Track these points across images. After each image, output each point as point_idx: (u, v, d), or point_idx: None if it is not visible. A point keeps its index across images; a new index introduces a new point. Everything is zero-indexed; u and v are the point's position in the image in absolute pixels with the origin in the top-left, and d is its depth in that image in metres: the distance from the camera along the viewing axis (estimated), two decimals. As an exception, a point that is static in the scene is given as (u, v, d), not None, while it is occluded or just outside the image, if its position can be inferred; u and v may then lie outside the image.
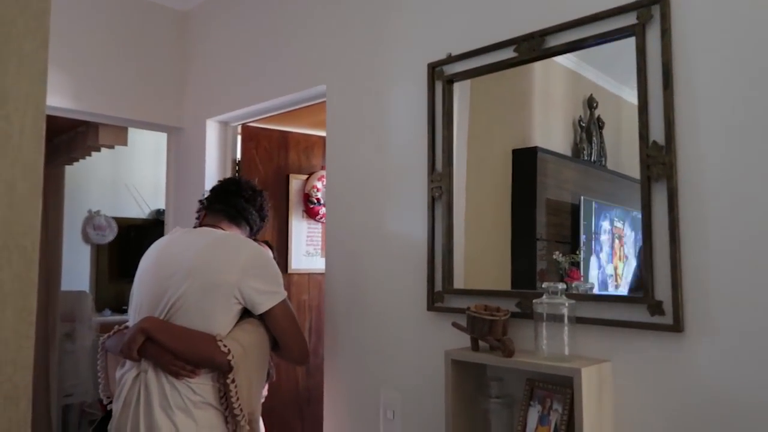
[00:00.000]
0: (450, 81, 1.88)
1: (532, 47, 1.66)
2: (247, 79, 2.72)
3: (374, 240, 2.09)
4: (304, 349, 1.86)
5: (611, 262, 1.67)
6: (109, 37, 2.86)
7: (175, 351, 1.64)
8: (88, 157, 3.81)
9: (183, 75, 3.11)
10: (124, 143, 3.24)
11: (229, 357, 1.64)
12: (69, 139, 3.48)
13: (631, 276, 1.56)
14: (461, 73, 1.84)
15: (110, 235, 5.39)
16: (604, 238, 1.69)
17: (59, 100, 2.69)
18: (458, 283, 1.84)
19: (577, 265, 1.67)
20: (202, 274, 1.70)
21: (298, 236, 3.20)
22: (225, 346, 1.65)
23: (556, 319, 1.46)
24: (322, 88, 2.34)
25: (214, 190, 2.01)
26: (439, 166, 1.89)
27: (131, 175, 5.40)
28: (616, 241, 1.68)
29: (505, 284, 1.77)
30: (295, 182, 3.20)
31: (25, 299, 1.71)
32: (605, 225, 1.70)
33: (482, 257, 1.89)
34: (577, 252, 1.68)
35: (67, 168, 3.89)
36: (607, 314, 1.49)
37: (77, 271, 5.00)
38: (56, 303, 3.67)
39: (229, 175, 3.02)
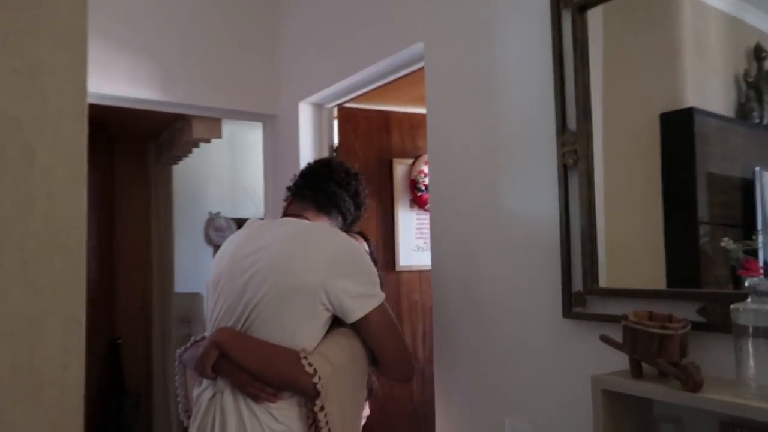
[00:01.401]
0: (582, 7, 1.39)
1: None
2: (337, 50, 2.39)
3: (489, 227, 1.64)
4: (407, 364, 1.51)
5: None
6: (197, 23, 2.68)
7: (252, 370, 1.35)
8: (207, 160, 3.74)
9: (274, 57, 2.86)
10: (218, 136, 3.07)
11: (315, 379, 1.31)
12: (170, 136, 3.39)
13: None
14: (595, -4, 1.36)
15: (230, 234, 5.45)
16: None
17: (148, 92, 2.54)
18: (616, 278, 1.36)
19: (754, 253, 1.23)
20: (281, 275, 1.39)
21: (405, 228, 2.82)
22: (310, 365, 1.33)
23: (774, 334, 0.94)
24: (419, 47, 1.93)
25: (302, 174, 1.71)
26: (571, 123, 1.40)
27: (246, 176, 5.42)
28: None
29: (658, 281, 1.33)
30: (400, 168, 2.82)
31: (72, 308, 1.46)
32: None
33: (626, 246, 1.43)
34: (754, 237, 1.23)
35: (188, 171, 3.84)
36: None
37: (200, 273, 5.06)
38: (170, 305, 3.61)
39: (325, 162, 2.71)
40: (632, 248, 1.43)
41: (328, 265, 1.39)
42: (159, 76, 2.56)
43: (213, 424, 1.40)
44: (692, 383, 1.01)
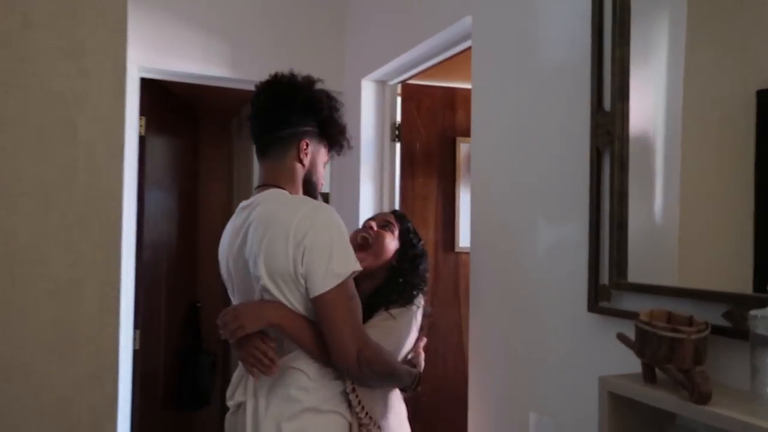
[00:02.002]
0: (625, -27, 1.26)
1: None
2: (394, 26, 2.35)
3: (523, 210, 1.56)
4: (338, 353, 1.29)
5: None
6: (265, 1, 2.74)
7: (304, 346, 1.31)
8: None
9: (342, 31, 2.87)
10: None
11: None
12: (247, 112, 3.52)
13: None
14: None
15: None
16: None
17: (219, 69, 2.64)
18: (663, 274, 1.22)
19: None
20: (265, 270, 1.28)
21: (467, 208, 2.74)
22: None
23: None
24: (467, 21, 1.85)
25: (253, 111, 1.44)
26: (606, 102, 1.29)
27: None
28: None
29: (744, 281, 1.12)
30: (464, 146, 2.74)
31: (108, 272, 1.57)
32: None
33: (707, 240, 1.25)
34: None
35: None
36: None
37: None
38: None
39: (387, 142, 2.69)
40: (711, 243, 1.23)
41: (292, 250, 1.24)
42: (229, 53, 2.66)
43: (244, 401, 1.37)
44: (698, 394, 0.91)
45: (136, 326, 2.53)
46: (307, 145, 1.40)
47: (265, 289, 1.28)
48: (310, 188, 1.44)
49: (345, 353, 1.26)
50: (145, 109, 2.62)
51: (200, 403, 3.36)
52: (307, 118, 1.40)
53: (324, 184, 1.52)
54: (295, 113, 1.39)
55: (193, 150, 3.79)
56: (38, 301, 1.41)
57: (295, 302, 1.29)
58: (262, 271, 1.27)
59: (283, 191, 1.37)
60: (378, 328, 1.47)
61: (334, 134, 1.45)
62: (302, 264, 1.24)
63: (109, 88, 1.47)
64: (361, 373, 1.29)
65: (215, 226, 4.00)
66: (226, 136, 4.14)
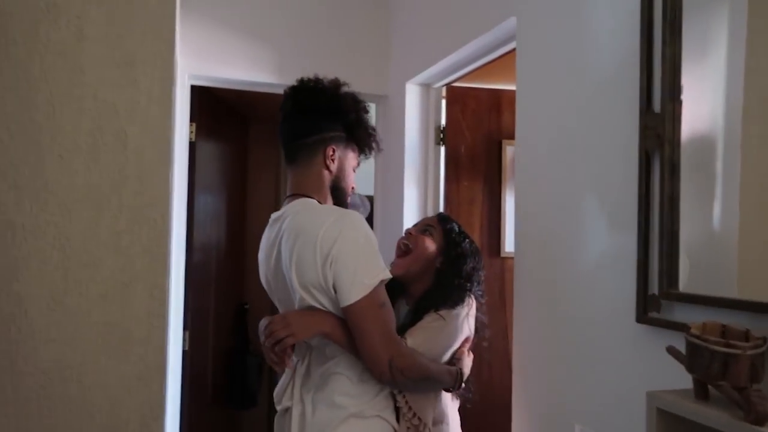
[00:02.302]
0: (676, -32, 1.20)
1: None
2: (439, 29, 2.33)
3: (569, 216, 1.52)
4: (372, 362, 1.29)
5: None
6: (311, 4, 2.77)
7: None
8: None
9: (387, 35, 2.87)
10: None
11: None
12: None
13: None
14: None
15: (364, 212, 5.64)
16: None
17: (265, 75, 2.69)
18: (718, 284, 1.15)
19: None
20: (296, 280, 1.29)
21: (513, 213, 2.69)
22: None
23: None
24: (512, 23, 1.82)
25: (282, 122, 1.43)
26: (656, 103, 1.23)
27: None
28: None
29: None
30: (510, 149, 2.69)
31: (156, 276, 1.62)
32: None
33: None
34: None
35: None
36: None
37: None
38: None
39: (432, 145, 2.67)
40: None
41: (321, 261, 1.24)
42: (275, 59, 2.70)
43: (290, 405, 1.40)
44: (755, 414, 0.85)
45: (185, 327, 2.60)
46: (333, 151, 1.38)
47: (301, 299, 1.29)
48: (338, 194, 1.43)
49: (377, 362, 1.26)
50: (195, 116, 2.69)
51: (248, 403, 3.42)
52: (333, 123, 1.39)
53: (355, 187, 1.51)
54: (320, 118, 1.38)
55: (242, 154, 3.87)
56: (90, 304, 1.46)
57: (333, 310, 1.30)
58: (296, 283, 1.28)
59: (311, 200, 1.36)
60: (427, 330, 1.48)
61: (363, 137, 1.43)
62: (331, 275, 1.24)
63: (157, 97, 1.52)
64: (394, 381, 1.29)
65: (262, 229, 4.09)
66: (274, 140, 4.20)
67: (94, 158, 1.47)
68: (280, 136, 1.44)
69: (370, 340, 1.25)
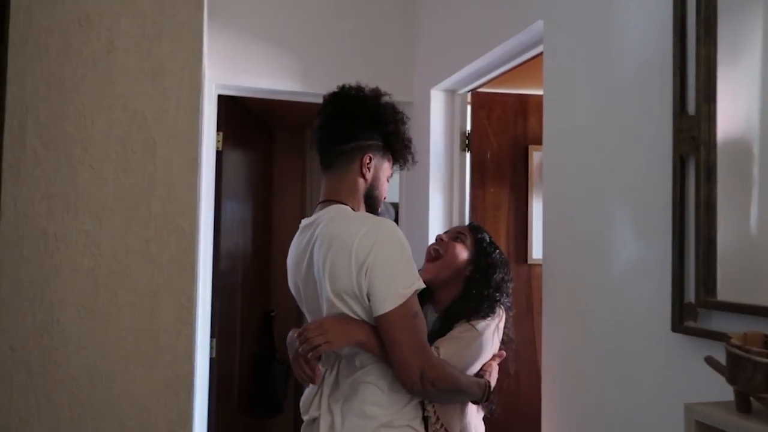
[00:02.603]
0: (710, -34, 1.17)
1: None
2: (464, 34, 2.32)
3: (600, 222, 1.48)
4: (406, 372, 1.27)
5: None
6: (335, 12, 2.78)
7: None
8: None
9: (412, 42, 2.86)
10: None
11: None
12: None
13: None
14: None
15: (389, 218, 5.63)
16: None
17: (289, 83, 2.70)
18: (759, 292, 1.09)
19: None
20: (326, 286, 1.28)
21: (540, 219, 2.65)
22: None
23: None
24: (538, 26, 1.79)
25: (319, 123, 1.44)
26: (690, 105, 1.20)
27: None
28: None
29: None
30: (537, 155, 2.65)
31: (184, 284, 1.63)
32: None
33: None
34: None
35: None
36: None
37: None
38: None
39: (457, 152, 2.65)
40: None
41: (357, 267, 1.23)
42: (300, 68, 2.72)
43: (318, 416, 1.38)
44: (802, 429, 0.82)
45: (212, 335, 2.61)
46: (370, 159, 1.38)
47: (331, 306, 1.29)
48: (371, 202, 1.43)
49: (408, 372, 1.24)
50: (222, 125, 2.72)
51: (274, 411, 3.43)
52: (371, 132, 1.38)
53: (387, 196, 1.51)
54: (359, 126, 1.38)
55: (268, 162, 3.90)
56: (120, 311, 1.47)
57: (365, 318, 1.29)
58: (329, 290, 1.27)
59: (345, 207, 1.36)
60: (459, 340, 1.47)
61: (399, 148, 1.43)
62: (365, 283, 1.23)
63: (185, 107, 1.53)
64: (425, 391, 1.27)
65: (289, 236, 4.09)
66: (300, 147, 4.24)
67: (124, 167, 1.49)
68: (315, 142, 1.44)
69: (401, 350, 1.24)
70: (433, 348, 1.40)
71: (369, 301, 1.25)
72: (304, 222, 1.44)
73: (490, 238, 1.63)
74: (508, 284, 1.60)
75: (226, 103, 2.75)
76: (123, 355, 1.45)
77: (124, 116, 1.49)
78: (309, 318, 1.46)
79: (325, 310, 1.32)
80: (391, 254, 1.24)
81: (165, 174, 1.51)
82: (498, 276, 1.57)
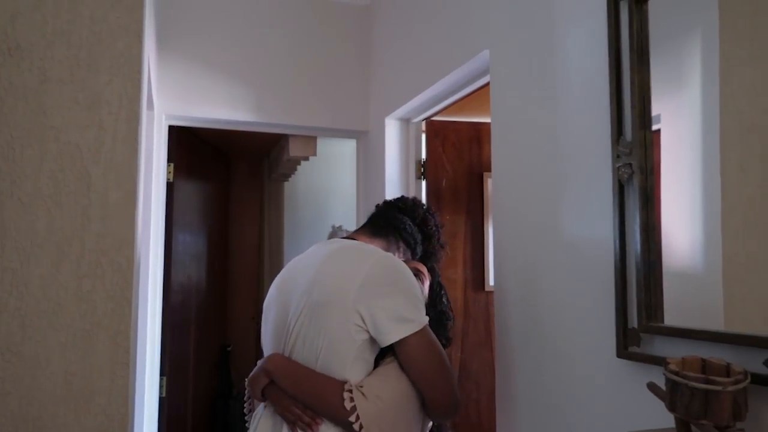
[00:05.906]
0: (640, -2, 1.20)
1: None
2: (415, 64, 2.33)
3: (547, 248, 1.48)
4: (447, 399, 1.31)
5: None
6: (288, 43, 2.77)
7: (299, 399, 1.31)
8: (328, 173, 3.79)
9: (366, 71, 2.87)
10: (313, 154, 3.15)
11: (352, 418, 1.22)
12: (276, 154, 3.55)
13: None
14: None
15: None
16: None
17: (243, 114, 2.67)
18: (701, 316, 1.10)
19: None
20: (315, 291, 1.31)
21: (497, 246, 2.66)
22: (352, 400, 1.24)
23: None
24: (485, 56, 1.81)
25: (381, 205, 1.71)
26: (627, 131, 1.21)
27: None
28: None
29: None
30: (492, 181, 2.67)
31: (120, 322, 1.56)
32: None
33: (754, 278, 1.13)
34: None
35: (311, 186, 3.91)
36: None
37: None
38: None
39: (413, 180, 2.65)
40: (758, 282, 1.07)
41: (361, 281, 1.27)
42: (254, 98, 2.69)
43: None
44: (739, 457, 0.80)
45: (162, 373, 2.51)
46: (399, 246, 1.55)
47: (318, 316, 1.31)
48: None
49: (449, 396, 1.33)
50: (173, 156, 2.66)
51: (232, 450, 3.31)
52: (416, 234, 1.60)
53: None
54: (410, 221, 1.60)
55: (225, 192, 3.84)
56: (49, 353, 1.39)
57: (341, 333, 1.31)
58: (320, 298, 1.31)
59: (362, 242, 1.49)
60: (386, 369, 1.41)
61: (425, 249, 1.64)
62: (373, 318, 1.29)
63: (123, 138, 1.48)
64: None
65: (247, 267, 4.03)
66: (257, 177, 4.19)
67: (56, 201, 1.43)
68: (378, 214, 1.63)
69: (441, 376, 1.33)
70: (390, 369, 1.36)
71: (378, 323, 1.30)
72: (315, 246, 1.53)
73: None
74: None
75: (177, 134, 2.70)
76: (52, 399, 1.37)
77: (56, 148, 1.43)
78: (264, 344, 1.45)
79: (292, 330, 1.34)
80: (409, 286, 1.35)
81: (100, 208, 1.45)
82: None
